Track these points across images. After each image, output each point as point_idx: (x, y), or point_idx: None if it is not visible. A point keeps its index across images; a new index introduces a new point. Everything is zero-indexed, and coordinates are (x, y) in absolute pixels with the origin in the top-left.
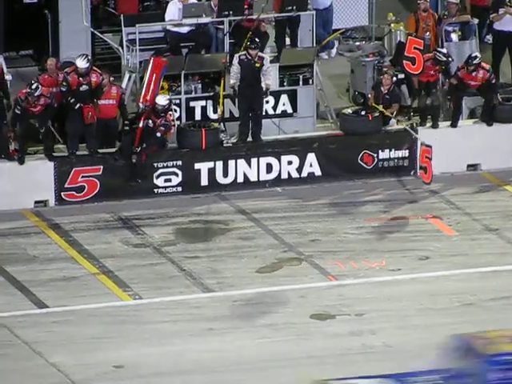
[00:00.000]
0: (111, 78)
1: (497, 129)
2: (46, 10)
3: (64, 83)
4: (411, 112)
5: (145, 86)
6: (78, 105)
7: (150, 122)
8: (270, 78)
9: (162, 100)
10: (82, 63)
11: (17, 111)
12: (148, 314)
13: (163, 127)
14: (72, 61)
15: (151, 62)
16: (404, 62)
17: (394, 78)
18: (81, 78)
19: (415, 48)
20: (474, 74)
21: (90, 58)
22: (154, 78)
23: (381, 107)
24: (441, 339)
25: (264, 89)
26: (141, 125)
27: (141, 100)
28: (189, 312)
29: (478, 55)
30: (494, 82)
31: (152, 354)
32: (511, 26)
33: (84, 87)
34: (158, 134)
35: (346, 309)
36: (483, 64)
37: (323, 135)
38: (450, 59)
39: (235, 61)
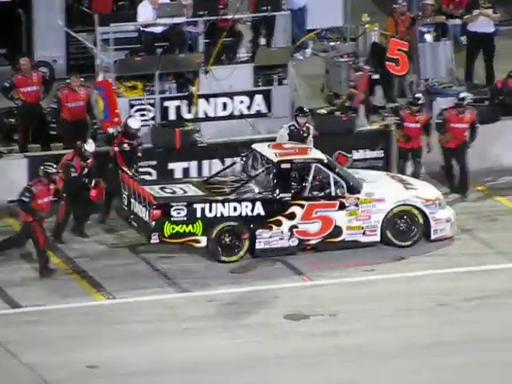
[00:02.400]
0: (81, 79)
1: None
2: (19, 9)
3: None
4: (385, 113)
5: (106, 111)
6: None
7: (125, 145)
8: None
9: (134, 124)
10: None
11: None
12: (122, 314)
13: (140, 146)
14: (47, 60)
15: (101, 87)
16: (387, 63)
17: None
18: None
19: (399, 50)
20: (460, 115)
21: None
22: (112, 100)
23: (343, 97)
24: (415, 340)
25: None
26: (116, 149)
27: (108, 125)
28: (163, 312)
29: (468, 95)
30: (477, 126)
31: (126, 353)
32: (485, 28)
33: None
34: (139, 154)
35: (320, 309)
36: (470, 106)
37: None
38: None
39: (284, 131)
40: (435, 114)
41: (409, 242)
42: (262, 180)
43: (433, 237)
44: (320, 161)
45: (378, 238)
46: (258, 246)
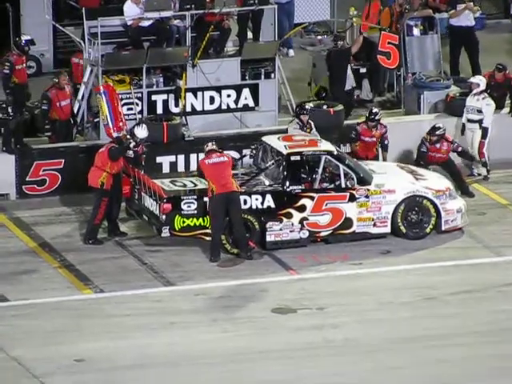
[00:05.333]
0: (67, 77)
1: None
2: (7, 4)
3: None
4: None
5: (110, 115)
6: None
7: (131, 152)
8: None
9: (141, 133)
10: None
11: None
12: (109, 308)
13: (144, 154)
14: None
15: (104, 92)
16: (378, 56)
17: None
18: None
19: (389, 43)
20: (437, 145)
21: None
22: (115, 104)
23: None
24: (403, 334)
25: None
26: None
27: (114, 129)
28: (150, 306)
29: (442, 126)
30: (460, 150)
31: (113, 347)
32: (468, 21)
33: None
34: (143, 163)
35: (307, 303)
36: (447, 135)
37: (285, 129)
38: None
39: (294, 129)
40: (423, 108)
41: (420, 234)
42: (272, 172)
43: (444, 227)
44: (330, 153)
45: (388, 230)
46: (269, 238)
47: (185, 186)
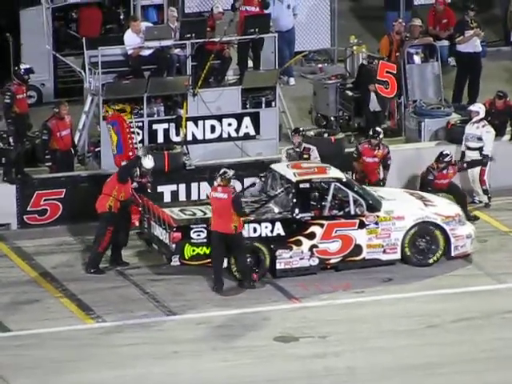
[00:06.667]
0: (67, 107)
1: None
2: (7, 33)
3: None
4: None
5: (119, 145)
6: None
7: (135, 184)
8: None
9: (148, 164)
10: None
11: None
12: (111, 338)
13: (149, 183)
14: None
15: (112, 122)
16: (377, 85)
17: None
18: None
19: (387, 72)
20: (444, 171)
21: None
22: (125, 134)
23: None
24: (406, 361)
25: None
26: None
27: (121, 159)
28: (152, 335)
29: (449, 152)
30: (466, 166)
31: (115, 377)
32: (476, 48)
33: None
34: (149, 190)
35: (309, 331)
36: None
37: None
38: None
39: (283, 155)
40: (424, 136)
41: (429, 261)
42: (282, 200)
43: (453, 253)
44: (339, 180)
45: (398, 256)
46: (279, 266)
47: (194, 214)
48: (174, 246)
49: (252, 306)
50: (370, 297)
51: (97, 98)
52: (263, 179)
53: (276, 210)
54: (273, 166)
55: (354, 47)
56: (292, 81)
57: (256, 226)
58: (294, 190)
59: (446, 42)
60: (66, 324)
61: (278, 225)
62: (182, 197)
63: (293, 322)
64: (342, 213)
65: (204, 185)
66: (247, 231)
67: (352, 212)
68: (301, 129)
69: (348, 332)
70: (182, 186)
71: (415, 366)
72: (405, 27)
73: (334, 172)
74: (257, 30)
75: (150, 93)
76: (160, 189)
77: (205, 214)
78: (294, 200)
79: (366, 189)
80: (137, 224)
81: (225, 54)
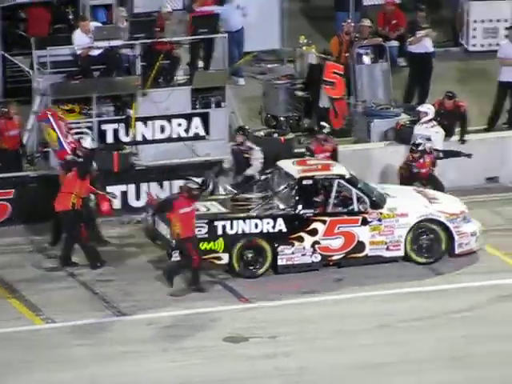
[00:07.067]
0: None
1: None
2: None
3: None
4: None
5: (61, 141)
6: None
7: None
8: (253, 168)
9: (88, 143)
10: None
11: None
12: (61, 338)
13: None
14: None
15: (46, 120)
16: (323, 86)
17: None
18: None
19: (335, 72)
20: (421, 160)
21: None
22: (62, 128)
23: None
24: (355, 361)
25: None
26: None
27: (68, 152)
28: (102, 335)
29: (422, 141)
30: (442, 155)
31: (65, 378)
32: (428, 48)
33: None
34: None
35: (259, 331)
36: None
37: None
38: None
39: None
40: (372, 137)
41: (432, 259)
42: (286, 196)
43: (457, 251)
44: (342, 177)
45: (401, 253)
46: (281, 262)
47: (197, 210)
48: (174, 241)
49: (201, 306)
50: (320, 297)
51: (45, 98)
52: (270, 176)
53: (281, 206)
54: (279, 162)
55: (304, 47)
56: (242, 81)
57: (258, 221)
58: (296, 187)
59: (395, 43)
60: (14, 325)
61: (280, 221)
62: (132, 197)
63: (242, 323)
64: (345, 210)
65: (153, 185)
66: (248, 227)
67: (355, 209)
68: (246, 127)
69: (298, 332)
70: (132, 187)
71: (367, 366)
72: (354, 28)
73: (337, 169)
74: (206, 30)
75: (99, 93)
76: (109, 189)
77: (208, 209)
78: (297, 196)
79: (369, 186)
80: (109, 212)
81: (174, 54)
